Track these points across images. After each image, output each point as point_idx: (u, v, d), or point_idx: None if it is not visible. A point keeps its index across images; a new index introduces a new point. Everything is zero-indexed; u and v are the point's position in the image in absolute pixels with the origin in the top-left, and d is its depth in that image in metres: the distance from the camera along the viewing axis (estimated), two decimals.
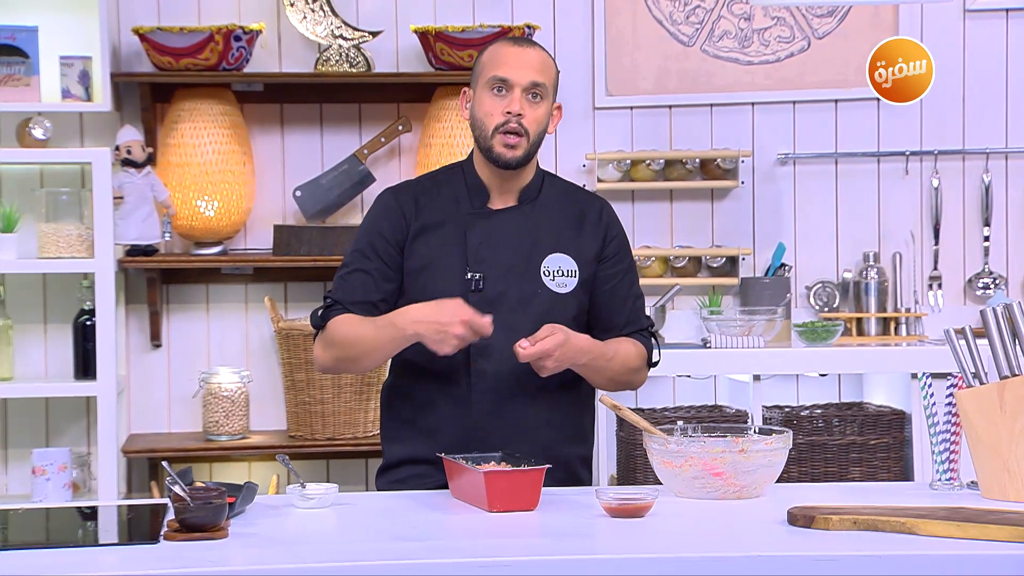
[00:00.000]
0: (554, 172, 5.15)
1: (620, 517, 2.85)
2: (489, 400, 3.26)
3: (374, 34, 5.05)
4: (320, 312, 3.32)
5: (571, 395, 3.34)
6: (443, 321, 3.09)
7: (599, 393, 3.35)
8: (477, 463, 3.00)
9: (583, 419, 3.42)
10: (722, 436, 3.14)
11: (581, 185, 5.16)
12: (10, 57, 4.82)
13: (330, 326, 3.29)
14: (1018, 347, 3.05)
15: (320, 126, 5.19)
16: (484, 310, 3.20)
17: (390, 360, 3.39)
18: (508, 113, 3.23)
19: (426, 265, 3.29)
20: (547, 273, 3.31)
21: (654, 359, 3.43)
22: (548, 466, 2.96)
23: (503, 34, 4.93)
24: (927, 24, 5.28)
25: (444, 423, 3.29)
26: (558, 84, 3.36)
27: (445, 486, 3.15)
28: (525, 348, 3.12)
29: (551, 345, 3.12)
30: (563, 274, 3.32)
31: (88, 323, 4.79)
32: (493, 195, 3.34)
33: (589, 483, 3.42)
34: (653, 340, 3.44)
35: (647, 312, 3.48)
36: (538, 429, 3.28)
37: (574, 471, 3.37)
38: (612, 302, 3.37)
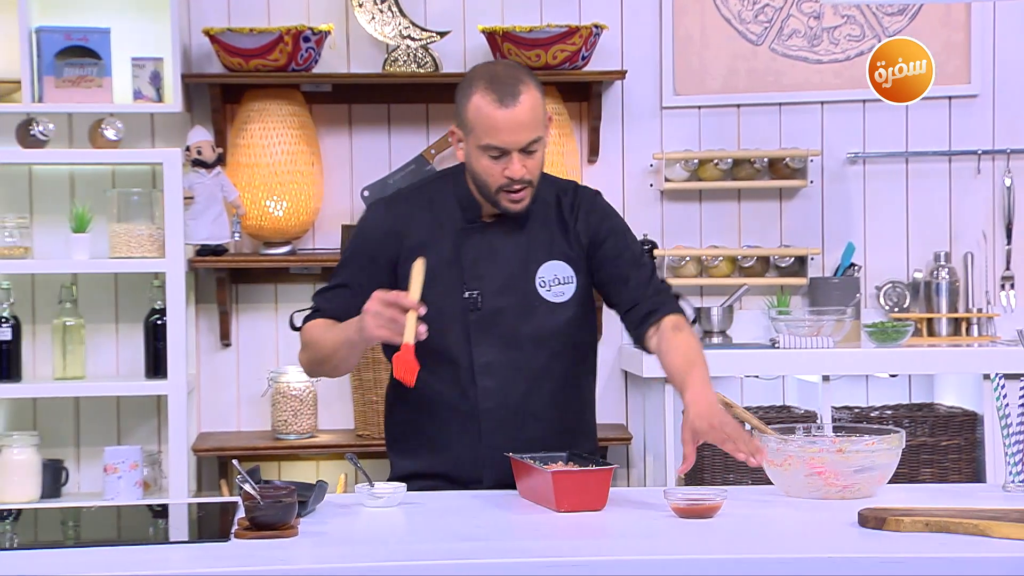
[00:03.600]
0: (614, 171, 5.17)
1: (689, 518, 2.84)
2: (496, 416, 3.24)
3: (442, 34, 5.06)
4: (303, 318, 3.35)
5: (574, 399, 3.33)
6: (366, 307, 3.04)
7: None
8: (544, 463, 3.00)
9: (583, 415, 3.41)
10: (847, 436, 3.10)
11: (648, 185, 5.17)
12: (83, 59, 4.86)
13: (304, 329, 3.33)
14: None
15: (388, 126, 5.20)
16: (483, 328, 3.22)
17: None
18: (510, 178, 3.16)
19: (424, 283, 3.15)
20: (543, 284, 3.27)
21: (690, 317, 3.40)
22: (616, 466, 2.97)
23: (571, 34, 4.92)
24: (999, 22, 5.22)
25: (453, 441, 3.28)
26: (545, 97, 3.22)
27: None
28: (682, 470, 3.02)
29: (697, 438, 3.02)
30: (559, 282, 3.28)
31: (159, 322, 4.83)
32: (485, 207, 3.28)
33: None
34: (679, 301, 3.34)
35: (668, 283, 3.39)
36: (545, 440, 3.22)
37: None
38: (624, 270, 3.29)
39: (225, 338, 5.10)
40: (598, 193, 3.41)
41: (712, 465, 4.73)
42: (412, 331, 2.98)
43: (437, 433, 3.30)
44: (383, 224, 3.32)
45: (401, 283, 3.20)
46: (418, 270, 3.05)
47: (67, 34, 4.86)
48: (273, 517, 2.67)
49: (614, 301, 3.34)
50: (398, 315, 2.98)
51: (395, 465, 3.41)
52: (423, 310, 2.98)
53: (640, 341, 3.31)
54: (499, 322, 3.24)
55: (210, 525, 2.90)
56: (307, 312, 3.35)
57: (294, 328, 3.38)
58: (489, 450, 3.22)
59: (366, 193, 5.11)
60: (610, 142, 5.18)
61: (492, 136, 3.13)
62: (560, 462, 3.04)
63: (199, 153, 4.86)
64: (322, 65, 5.06)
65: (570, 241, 3.31)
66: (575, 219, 3.32)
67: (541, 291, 3.27)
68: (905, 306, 5.22)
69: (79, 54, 4.87)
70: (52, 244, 4.95)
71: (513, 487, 3.09)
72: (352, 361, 3.28)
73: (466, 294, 3.24)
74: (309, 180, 5.01)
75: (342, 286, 3.32)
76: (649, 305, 3.28)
